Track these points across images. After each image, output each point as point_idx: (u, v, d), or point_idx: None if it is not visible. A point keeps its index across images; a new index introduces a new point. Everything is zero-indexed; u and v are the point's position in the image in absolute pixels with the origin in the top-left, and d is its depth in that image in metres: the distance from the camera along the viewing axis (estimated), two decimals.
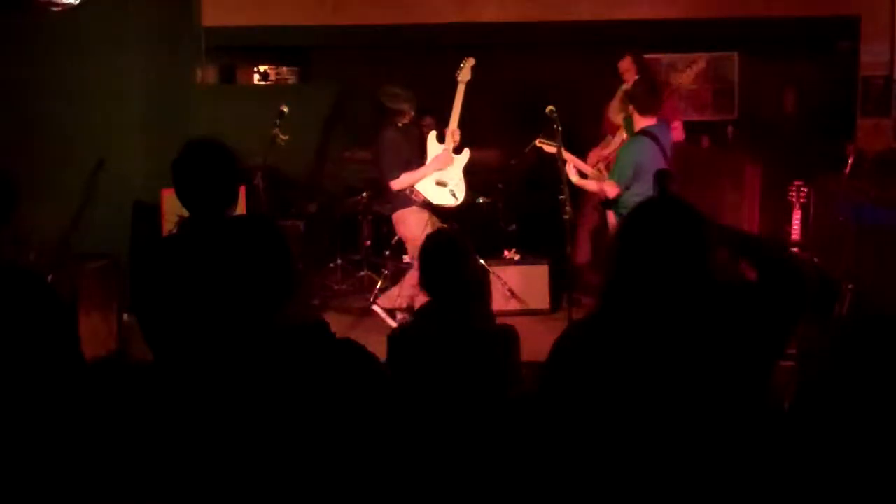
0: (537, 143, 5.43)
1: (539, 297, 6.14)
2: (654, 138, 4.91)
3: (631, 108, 5.02)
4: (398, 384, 2.86)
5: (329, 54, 7.99)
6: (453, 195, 5.55)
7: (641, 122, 4.94)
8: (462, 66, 5.63)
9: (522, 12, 7.29)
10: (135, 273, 2.68)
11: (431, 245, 3.16)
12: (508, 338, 3.00)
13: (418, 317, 3.08)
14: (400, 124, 5.47)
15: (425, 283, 3.02)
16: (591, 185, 5.22)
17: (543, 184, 5.61)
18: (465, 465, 2.66)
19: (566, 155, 5.26)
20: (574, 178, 5.21)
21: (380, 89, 5.53)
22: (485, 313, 3.13)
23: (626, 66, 5.62)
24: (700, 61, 5.71)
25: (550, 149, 5.31)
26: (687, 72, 5.59)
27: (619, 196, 4.88)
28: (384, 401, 2.02)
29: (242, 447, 1.88)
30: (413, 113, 5.56)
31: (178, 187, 2.71)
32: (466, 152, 5.70)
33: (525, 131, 6.38)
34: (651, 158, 4.84)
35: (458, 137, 5.63)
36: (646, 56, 5.83)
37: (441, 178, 5.57)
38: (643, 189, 4.80)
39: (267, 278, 2.02)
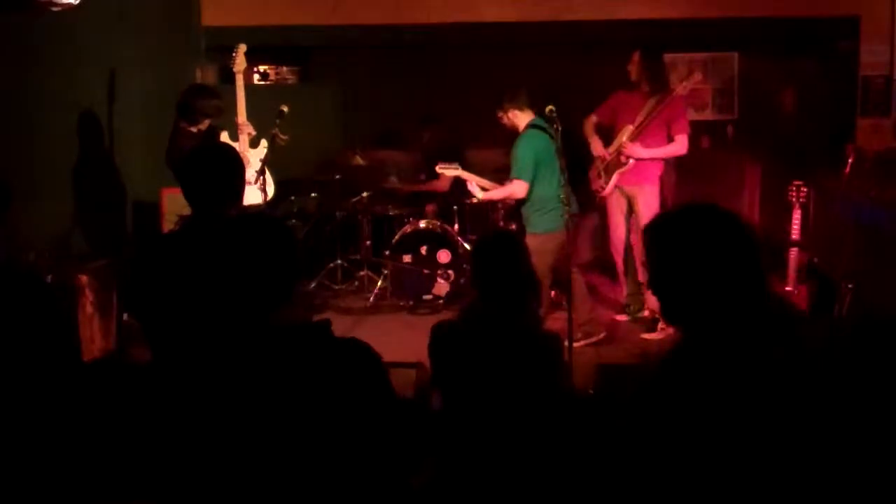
0: (437, 169, 5.76)
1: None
2: (543, 129, 5.12)
3: (511, 108, 5.24)
4: (437, 376, 2.84)
5: (329, 54, 7.99)
6: (263, 191, 5.20)
7: (525, 119, 5.24)
8: (234, 54, 5.47)
9: (522, 12, 7.29)
10: (133, 270, 2.69)
11: (487, 242, 3.13)
12: (554, 344, 2.97)
13: (465, 312, 3.03)
14: (195, 129, 5.07)
15: (477, 280, 2.97)
16: (497, 194, 5.46)
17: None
18: (504, 461, 2.64)
19: (466, 175, 5.61)
20: (479, 194, 5.56)
21: (193, 90, 5.19)
22: (534, 316, 3.09)
23: (633, 63, 5.60)
24: (696, 73, 5.70)
25: (452, 172, 5.74)
26: (683, 83, 5.57)
27: (528, 194, 5.11)
28: (386, 400, 2.02)
29: (242, 446, 1.88)
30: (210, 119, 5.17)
31: (183, 184, 2.74)
32: (263, 144, 5.44)
33: None
34: (545, 150, 5.07)
35: (250, 130, 5.46)
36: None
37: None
38: (547, 182, 5.10)
39: (269, 275, 2.02)
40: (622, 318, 5.94)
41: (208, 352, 2.02)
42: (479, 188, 5.54)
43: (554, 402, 2.77)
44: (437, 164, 5.86)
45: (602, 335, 5.45)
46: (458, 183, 7.11)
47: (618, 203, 5.74)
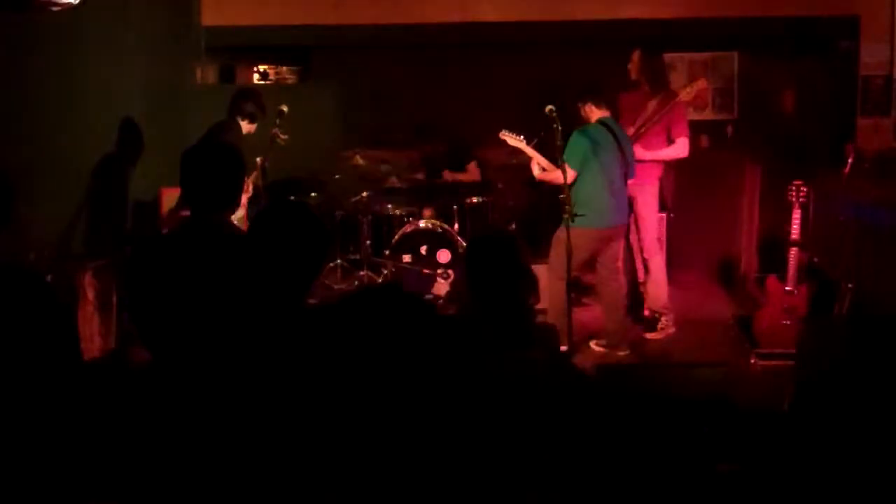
0: (501, 135, 5.58)
1: (539, 296, 6.12)
2: (610, 130, 5.18)
3: (589, 102, 5.27)
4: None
5: (329, 54, 7.99)
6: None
7: (598, 114, 5.28)
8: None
9: (522, 12, 7.29)
10: (129, 270, 2.67)
11: (482, 242, 3.12)
12: (550, 337, 2.98)
13: (461, 315, 3.03)
14: (249, 127, 5.53)
15: (472, 280, 2.96)
16: (548, 176, 5.42)
17: (543, 183, 5.63)
18: (500, 461, 2.63)
19: (529, 150, 5.50)
20: (537, 171, 5.47)
21: (250, 91, 5.56)
22: (529, 313, 3.10)
23: (633, 62, 5.60)
24: (701, 80, 5.70)
25: (514, 142, 5.52)
26: (687, 89, 5.58)
27: (575, 181, 5.08)
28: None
29: (242, 445, 1.88)
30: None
31: (182, 184, 2.72)
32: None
33: (525, 131, 6.39)
34: (603, 147, 5.14)
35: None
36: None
37: None
38: (592, 178, 5.11)
39: (303, 260, 2.03)
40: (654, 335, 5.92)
41: (206, 349, 2.02)
42: (538, 167, 5.46)
43: (549, 401, 2.77)
44: (501, 132, 5.65)
45: (626, 352, 5.37)
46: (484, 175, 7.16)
47: None
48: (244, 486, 1.87)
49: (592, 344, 5.44)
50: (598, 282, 5.44)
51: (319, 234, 2.14)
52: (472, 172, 7.20)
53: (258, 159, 5.63)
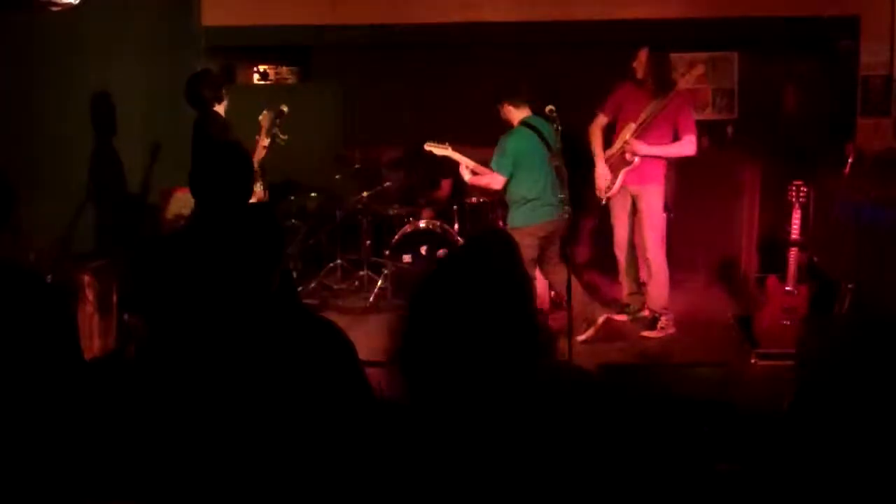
0: (426, 147, 5.72)
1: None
2: (535, 129, 5.22)
3: (506, 103, 5.33)
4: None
5: (329, 54, 7.99)
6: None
7: (518, 115, 5.33)
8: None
9: (522, 12, 7.29)
10: (136, 270, 2.69)
11: (476, 241, 3.13)
12: (546, 338, 2.99)
13: None
14: (222, 111, 5.22)
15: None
16: (481, 180, 5.52)
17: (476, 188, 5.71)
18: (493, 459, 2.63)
19: (456, 156, 5.64)
20: (467, 176, 5.58)
21: (197, 77, 5.23)
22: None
23: (640, 61, 5.57)
24: (699, 66, 5.69)
25: (441, 151, 5.65)
26: (686, 77, 5.56)
27: (505, 187, 5.18)
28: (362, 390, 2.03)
29: (242, 442, 1.88)
30: None
31: (199, 178, 2.73)
32: None
33: None
34: (532, 148, 5.19)
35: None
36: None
37: None
38: (525, 178, 5.20)
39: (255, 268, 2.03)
40: (622, 317, 5.93)
41: (208, 347, 2.03)
42: (468, 171, 5.59)
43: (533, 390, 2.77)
44: (425, 143, 5.83)
45: (603, 318, 5.49)
46: (458, 189, 7.17)
47: (622, 202, 5.73)
48: (239, 482, 1.87)
49: (580, 338, 5.39)
50: (548, 274, 5.53)
51: (267, 233, 2.11)
52: (445, 189, 7.26)
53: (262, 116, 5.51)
